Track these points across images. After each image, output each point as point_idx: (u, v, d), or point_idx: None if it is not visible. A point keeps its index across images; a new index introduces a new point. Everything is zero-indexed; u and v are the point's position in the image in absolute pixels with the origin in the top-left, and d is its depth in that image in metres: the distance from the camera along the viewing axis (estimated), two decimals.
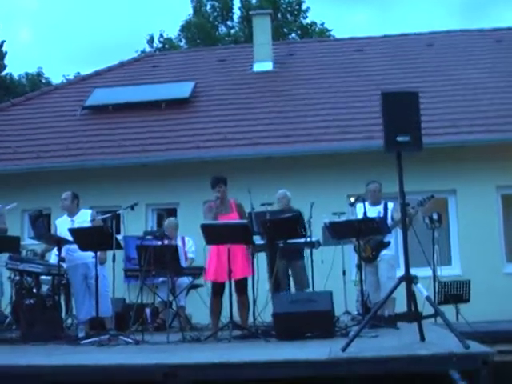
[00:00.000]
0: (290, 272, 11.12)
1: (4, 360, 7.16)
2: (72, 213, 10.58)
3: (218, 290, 9.72)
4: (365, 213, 9.86)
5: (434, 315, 6.99)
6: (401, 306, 8.13)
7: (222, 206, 9.78)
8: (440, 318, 7.19)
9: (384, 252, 10.47)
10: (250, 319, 9.60)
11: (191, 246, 12.46)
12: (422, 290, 6.69)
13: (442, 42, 19.47)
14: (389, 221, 10.35)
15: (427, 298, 6.69)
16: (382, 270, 10.45)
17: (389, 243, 10.49)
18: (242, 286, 9.57)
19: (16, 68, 57.02)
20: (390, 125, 6.95)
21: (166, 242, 10.85)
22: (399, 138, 6.81)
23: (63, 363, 6.74)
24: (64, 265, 10.66)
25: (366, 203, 10.31)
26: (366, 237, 10.08)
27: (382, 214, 10.36)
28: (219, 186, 9.78)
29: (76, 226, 10.15)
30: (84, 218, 10.50)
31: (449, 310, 9.67)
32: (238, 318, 9.62)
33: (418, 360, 6.04)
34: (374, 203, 10.64)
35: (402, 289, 6.95)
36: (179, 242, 12.02)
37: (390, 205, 10.58)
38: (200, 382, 6.35)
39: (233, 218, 9.66)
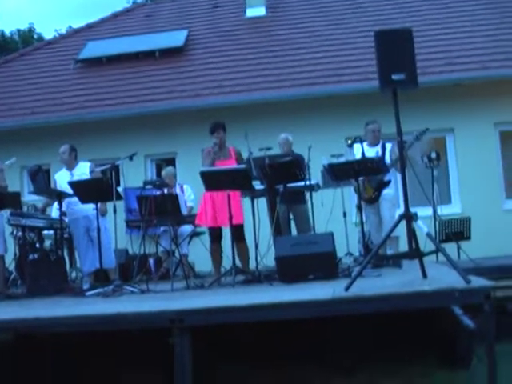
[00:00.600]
0: (291, 216, 11.11)
1: (12, 314, 7.24)
2: (70, 166, 10.59)
3: (215, 235, 9.84)
4: (363, 153, 9.83)
5: (435, 251, 7.01)
6: (404, 245, 8.18)
7: (220, 152, 9.84)
8: (441, 257, 7.25)
9: (385, 191, 10.42)
10: (253, 264, 9.65)
11: (190, 194, 12.48)
12: (422, 227, 6.71)
13: None
14: (387, 161, 10.29)
15: (428, 234, 6.71)
16: (383, 209, 10.41)
17: (389, 182, 10.41)
18: (238, 232, 9.62)
19: (7, 25, 56.58)
20: (384, 63, 6.89)
21: (165, 190, 10.88)
22: (394, 77, 6.77)
23: (70, 314, 6.81)
24: (65, 218, 10.70)
25: (365, 144, 10.28)
26: (365, 177, 10.10)
27: (380, 155, 10.35)
28: (217, 132, 9.83)
29: (75, 178, 10.17)
30: (83, 170, 10.51)
31: (450, 248, 9.72)
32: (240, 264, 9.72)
33: (421, 296, 6.08)
34: (373, 143, 10.59)
35: (404, 228, 6.97)
36: (178, 191, 12.03)
37: (388, 145, 10.54)
38: (206, 327, 6.44)
39: (231, 164, 9.72)
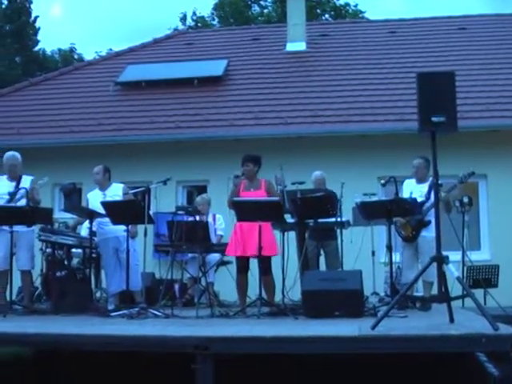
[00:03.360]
0: (321, 252, 11.05)
1: (37, 328, 7.26)
2: (103, 187, 10.64)
3: (242, 265, 9.79)
4: (396, 193, 9.70)
5: (464, 296, 6.99)
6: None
7: (250, 183, 9.86)
8: (468, 303, 7.20)
9: (424, 233, 9.96)
10: (279, 297, 9.61)
11: (221, 223, 12.47)
12: (453, 271, 6.69)
13: (475, 25, 19.35)
14: (431, 200, 9.62)
15: (458, 278, 6.70)
16: (423, 254, 9.86)
17: (429, 222, 9.76)
18: (265, 265, 9.55)
19: (48, 44, 57.25)
20: (424, 105, 6.94)
21: (197, 217, 10.90)
22: (434, 119, 6.80)
23: (96, 333, 6.83)
24: (95, 238, 10.74)
25: (413, 181, 10.17)
26: (397, 217, 9.92)
27: (426, 192, 10.02)
28: (246, 164, 9.88)
29: (107, 199, 10.23)
30: (115, 191, 10.57)
31: (477, 295, 9.63)
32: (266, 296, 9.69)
33: (447, 340, 6.06)
34: (420, 180, 10.22)
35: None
36: (210, 219, 12.06)
37: None
38: (229, 356, 6.42)
39: (259, 195, 9.71)
